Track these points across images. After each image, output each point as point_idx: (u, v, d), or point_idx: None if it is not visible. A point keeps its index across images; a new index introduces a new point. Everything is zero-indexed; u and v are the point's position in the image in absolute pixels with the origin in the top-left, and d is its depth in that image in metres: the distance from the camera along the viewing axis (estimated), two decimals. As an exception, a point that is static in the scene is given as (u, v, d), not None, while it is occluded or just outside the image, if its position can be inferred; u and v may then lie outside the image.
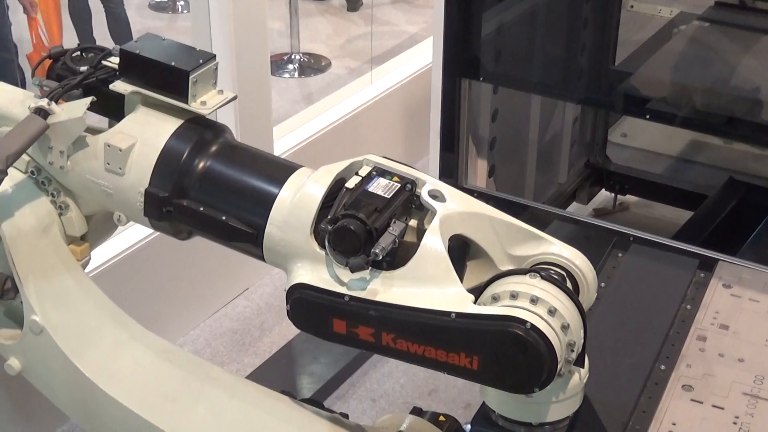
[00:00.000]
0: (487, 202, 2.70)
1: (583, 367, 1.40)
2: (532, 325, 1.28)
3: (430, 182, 1.45)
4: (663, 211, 3.30)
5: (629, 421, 1.55)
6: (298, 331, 2.62)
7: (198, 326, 2.91)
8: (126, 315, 1.66)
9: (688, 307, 1.83)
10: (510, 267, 1.43)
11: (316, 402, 1.80)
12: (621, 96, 2.82)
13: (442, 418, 1.73)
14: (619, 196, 3.34)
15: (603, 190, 3.35)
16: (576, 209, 3.31)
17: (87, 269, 1.71)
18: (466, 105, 2.60)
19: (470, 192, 2.68)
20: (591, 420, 1.47)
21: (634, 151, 3.37)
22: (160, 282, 2.76)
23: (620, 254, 1.97)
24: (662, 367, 1.69)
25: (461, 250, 1.46)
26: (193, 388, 1.60)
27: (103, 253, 2.57)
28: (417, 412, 1.76)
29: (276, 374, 2.71)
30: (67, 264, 1.63)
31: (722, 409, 1.59)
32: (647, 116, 2.70)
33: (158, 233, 2.68)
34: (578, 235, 3.03)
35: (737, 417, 1.58)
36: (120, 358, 1.61)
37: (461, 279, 1.43)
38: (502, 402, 1.44)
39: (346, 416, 1.81)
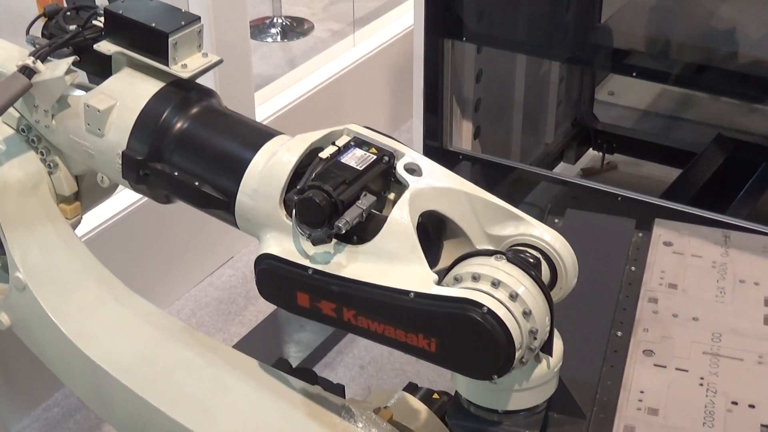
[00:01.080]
0: (473, 165, 2.76)
1: (551, 354, 1.34)
2: (489, 309, 1.23)
3: (409, 155, 1.40)
4: (652, 169, 3.27)
5: (596, 394, 1.51)
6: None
7: (183, 296, 2.88)
8: (112, 275, 1.63)
9: (633, 269, 1.79)
10: (489, 247, 1.38)
11: (309, 372, 1.77)
12: (607, 54, 2.79)
13: (436, 395, 1.68)
14: (606, 155, 3.31)
15: (591, 149, 3.31)
16: (563, 169, 3.28)
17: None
18: (450, 66, 2.56)
19: (455, 154, 2.70)
20: (565, 402, 1.44)
21: (621, 110, 3.33)
22: (143, 252, 2.73)
23: (556, 220, 1.93)
24: (619, 333, 1.65)
25: (438, 228, 1.41)
26: (172, 353, 1.55)
27: (83, 224, 2.53)
28: (411, 388, 1.72)
29: (263, 343, 2.68)
30: (54, 222, 1.62)
31: (686, 371, 1.57)
32: (634, 74, 2.66)
33: (140, 203, 2.69)
34: (566, 196, 3.01)
35: (702, 378, 1.55)
36: (100, 318, 1.58)
37: (437, 258, 1.39)
38: (470, 388, 1.40)
39: (342, 388, 1.78)
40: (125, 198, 2.65)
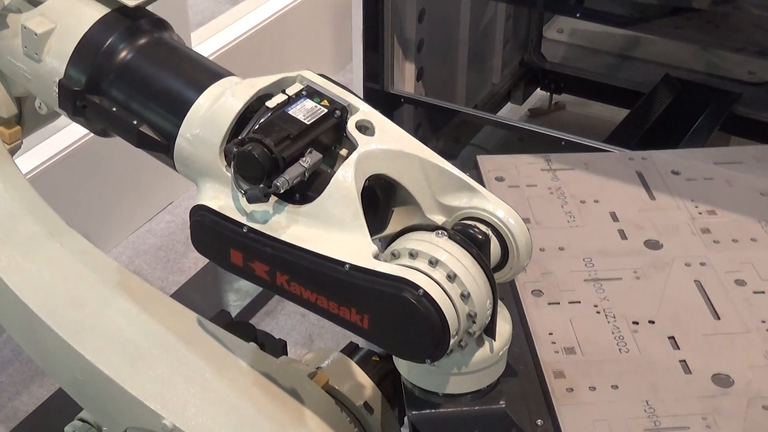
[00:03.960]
0: (416, 108, 2.69)
1: (494, 338, 1.27)
2: (424, 292, 1.15)
3: (363, 111, 1.30)
4: (599, 109, 3.23)
5: (511, 346, 1.48)
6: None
7: (120, 243, 2.81)
8: (50, 209, 1.53)
9: None
10: (439, 216, 1.31)
11: (248, 326, 1.72)
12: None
13: (376, 358, 1.64)
14: (554, 95, 3.26)
15: (538, 89, 3.26)
16: (510, 110, 3.23)
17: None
18: (390, 5, 2.47)
19: (397, 97, 2.63)
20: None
21: (569, 48, 3.27)
22: (77, 198, 2.65)
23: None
24: None
25: (387, 193, 1.33)
26: (103, 297, 1.46)
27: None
28: (350, 349, 1.67)
29: (202, 291, 2.64)
30: None
31: (579, 302, 1.59)
32: (578, 15, 2.60)
33: (72, 147, 2.59)
34: (512, 137, 2.97)
35: (596, 306, 1.58)
36: (33, 255, 1.48)
37: (385, 225, 1.32)
38: (411, 369, 1.33)
39: (284, 344, 1.73)
40: (55, 142, 2.56)
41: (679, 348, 1.52)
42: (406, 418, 1.64)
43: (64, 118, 1.49)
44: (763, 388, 1.46)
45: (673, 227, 1.79)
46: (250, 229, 1.25)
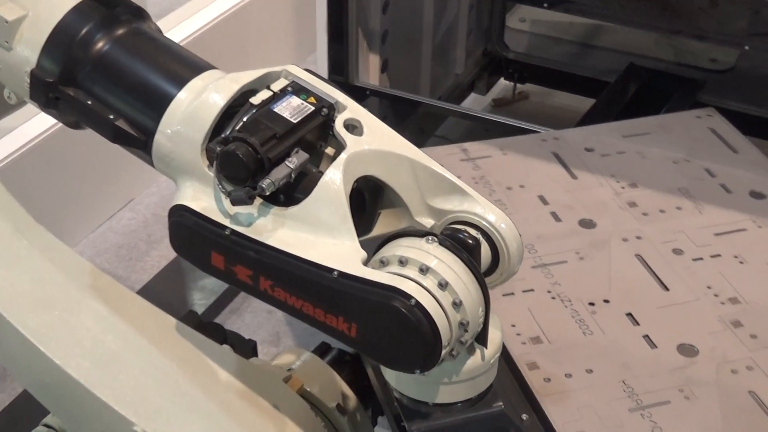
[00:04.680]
0: (381, 100, 2.65)
1: (486, 346, 1.23)
2: (416, 301, 1.11)
3: (351, 109, 1.25)
4: (564, 99, 3.22)
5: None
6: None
7: (80, 242, 2.75)
8: (17, 203, 1.47)
9: None
10: (428, 219, 1.27)
11: (217, 327, 1.68)
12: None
13: (348, 358, 1.61)
14: (518, 84, 3.24)
15: (502, 79, 3.24)
16: (474, 100, 3.21)
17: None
18: (354, -4, 2.44)
19: (362, 90, 2.59)
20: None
21: (533, 37, 3.26)
22: (34, 196, 2.58)
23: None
24: None
25: (375, 194, 1.29)
26: (73, 297, 1.40)
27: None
28: (322, 349, 1.64)
29: (165, 290, 2.59)
30: None
31: (533, 290, 1.63)
32: (545, 5, 2.58)
33: (31, 143, 2.53)
34: (477, 128, 2.95)
35: (549, 291, 1.62)
36: None
37: (371, 227, 1.27)
38: (400, 378, 1.30)
39: (254, 345, 1.69)
40: (11, 139, 2.50)
41: (638, 324, 1.57)
42: (379, 419, 1.63)
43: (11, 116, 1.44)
44: (727, 353, 1.52)
45: (602, 204, 1.84)
46: (233, 232, 1.20)
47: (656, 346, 1.53)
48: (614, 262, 1.70)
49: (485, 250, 1.25)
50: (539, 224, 1.77)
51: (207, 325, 1.67)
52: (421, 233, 1.19)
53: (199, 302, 2.51)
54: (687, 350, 1.52)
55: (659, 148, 2.01)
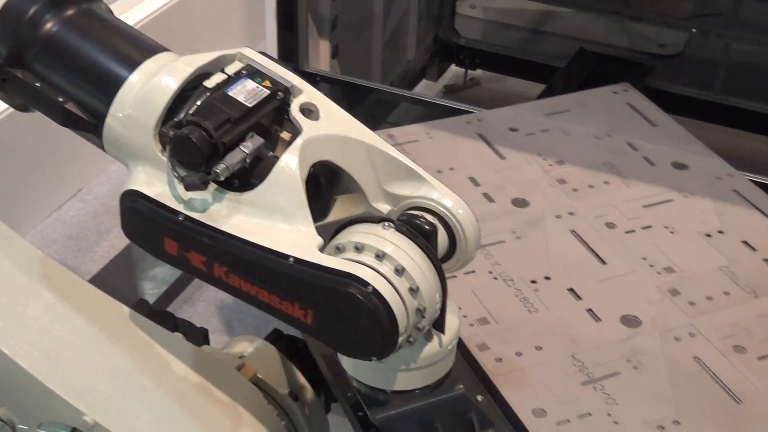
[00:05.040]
0: (331, 86, 2.64)
1: (443, 332, 1.23)
2: (373, 288, 1.10)
3: (307, 93, 1.23)
4: (515, 84, 3.23)
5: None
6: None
7: (27, 233, 2.70)
8: None
9: None
10: (385, 205, 1.26)
11: (168, 315, 1.66)
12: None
13: (300, 344, 1.60)
14: (469, 71, 3.24)
15: (453, 65, 3.24)
16: (425, 87, 3.21)
17: None
18: (303, -19, 2.43)
19: (312, 76, 2.58)
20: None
21: (483, 24, 3.26)
22: (-20, 188, 2.54)
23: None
24: None
25: (331, 180, 1.27)
26: (21, 285, 1.37)
27: None
28: (274, 336, 1.62)
29: (116, 280, 2.55)
30: None
31: (474, 272, 1.64)
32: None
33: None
34: (429, 114, 2.94)
35: (491, 272, 1.64)
36: None
37: (326, 213, 1.26)
38: (357, 366, 1.29)
39: (205, 333, 1.67)
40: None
41: (581, 299, 1.60)
42: (333, 405, 1.62)
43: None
44: (668, 321, 1.57)
45: (532, 183, 1.87)
46: (187, 218, 1.18)
47: (600, 320, 1.56)
48: (551, 239, 1.73)
49: (442, 235, 1.24)
50: (473, 206, 1.76)
51: (157, 314, 1.65)
52: (377, 219, 1.18)
53: (151, 292, 2.48)
54: (630, 321, 1.56)
55: (581, 124, 2.05)
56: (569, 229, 1.75)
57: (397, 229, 1.16)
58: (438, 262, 1.18)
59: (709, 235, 1.76)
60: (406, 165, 1.26)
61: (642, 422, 1.39)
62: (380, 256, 1.14)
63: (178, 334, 1.46)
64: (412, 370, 1.25)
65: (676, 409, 1.41)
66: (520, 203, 1.82)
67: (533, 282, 1.63)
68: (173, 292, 2.51)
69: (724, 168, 1.96)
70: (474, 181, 1.86)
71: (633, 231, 1.75)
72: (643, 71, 2.85)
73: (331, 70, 2.62)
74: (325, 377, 1.54)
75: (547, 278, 1.63)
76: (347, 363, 1.32)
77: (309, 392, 1.57)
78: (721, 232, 1.77)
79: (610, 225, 1.76)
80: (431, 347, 1.24)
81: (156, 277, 2.53)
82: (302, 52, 2.52)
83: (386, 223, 1.17)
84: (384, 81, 2.92)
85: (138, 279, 2.56)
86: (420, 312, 1.16)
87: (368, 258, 1.14)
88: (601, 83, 2.83)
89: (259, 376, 1.49)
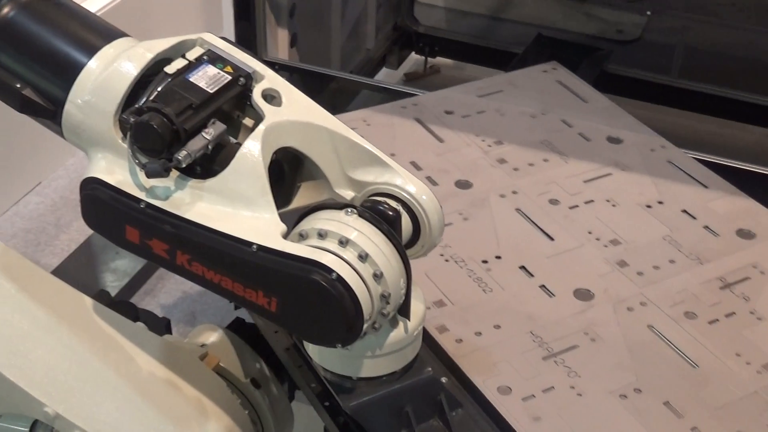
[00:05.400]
0: (291, 74, 2.63)
1: (408, 318, 1.23)
2: (338, 275, 1.10)
3: (269, 79, 1.23)
4: (474, 71, 3.23)
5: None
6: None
7: (-14, 228, 2.68)
8: None
9: None
10: (348, 192, 1.26)
11: (129, 305, 1.65)
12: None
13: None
14: (429, 58, 3.24)
15: (413, 53, 3.24)
16: (386, 75, 3.20)
17: None
18: (260, -31, 2.41)
19: (271, 64, 2.55)
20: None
21: (442, 11, 3.26)
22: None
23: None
24: None
25: (294, 166, 1.27)
26: None
27: None
28: (236, 325, 1.62)
29: (77, 273, 2.53)
30: None
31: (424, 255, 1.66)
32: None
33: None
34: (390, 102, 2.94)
35: (442, 254, 1.65)
36: None
37: (289, 200, 1.26)
38: (323, 354, 1.29)
39: (167, 323, 1.66)
40: None
41: (533, 275, 1.62)
42: (297, 393, 1.62)
43: None
44: (620, 292, 1.60)
45: (473, 164, 1.89)
46: (149, 205, 1.17)
47: (554, 295, 1.58)
48: (497, 219, 1.75)
49: (406, 221, 1.24)
50: None
51: (118, 304, 1.64)
52: (340, 205, 1.18)
53: (112, 284, 2.46)
54: (583, 294, 1.58)
55: (515, 104, 2.08)
56: (514, 208, 1.77)
57: (361, 215, 1.16)
58: (402, 248, 1.18)
59: (649, 206, 1.80)
60: (370, 151, 1.26)
61: (605, 392, 1.41)
62: (344, 242, 1.14)
63: (140, 324, 1.45)
64: (379, 357, 1.25)
65: (636, 377, 1.44)
66: (463, 185, 1.83)
67: (485, 262, 1.64)
68: (135, 284, 2.49)
69: (657, 140, 2.00)
70: (416, 166, 1.87)
71: (576, 206, 1.78)
72: (601, 56, 2.86)
73: (290, 58, 2.61)
74: (288, 369, 1.54)
75: (498, 257, 1.64)
76: (312, 350, 1.31)
77: (272, 380, 1.57)
78: (660, 202, 1.81)
79: (554, 201, 1.79)
80: (397, 333, 1.24)
81: (117, 270, 2.51)
82: (260, 41, 2.51)
83: (349, 210, 1.17)
84: (344, 70, 2.91)
85: (99, 272, 2.54)
86: (385, 298, 1.16)
87: (332, 244, 1.14)
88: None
89: (222, 365, 1.49)
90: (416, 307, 1.25)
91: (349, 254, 1.13)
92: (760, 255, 1.69)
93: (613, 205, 1.79)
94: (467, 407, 1.36)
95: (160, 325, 1.65)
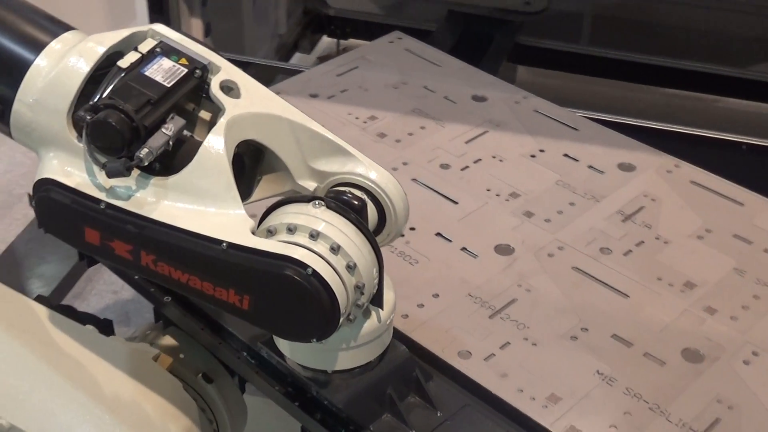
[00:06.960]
0: (207, 63, 2.59)
1: (381, 307, 1.22)
2: (313, 270, 1.08)
3: (225, 70, 1.20)
4: (387, 51, 3.23)
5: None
6: (20, 230, 2.39)
7: None
8: None
9: None
10: (311, 182, 1.24)
11: (69, 309, 1.61)
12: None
13: None
14: (341, 41, 3.24)
15: (325, 36, 3.23)
16: (300, 59, 3.19)
17: None
18: (172, -41, 2.38)
19: (187, 55, 2.53)
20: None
21: (351, -7, 3.26)
22: None
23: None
24: None
25: (255, 158, 1.24)
26: None
27: None
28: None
29: (1, 280, 2.45)
30: None
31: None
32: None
33: None
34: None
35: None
36: None
37: (250, 192, 1.24)
38: (295, 349, 1.28)
39: (109, 323, 1.63)
40: None
41: (451, 240, 1.65)
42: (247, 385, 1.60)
43: None
44: (536, 241, 1.65)
45: (355, 142, 1.89)
46: (109, 206, 1.14)
47: (477, 255, 1.62)
48: None
49: (371, 210, 1.24)
50: None
51: (59, 308, 1.60)
52: (307, 198, 1.16)
53: (39, 290, 2.39)
54: (504, 249, 1.63)
55: (374, 78, 2.11)
56: (410, 178, 1.79)
57: (328, 207, 1.15)
58: (372, 237, 1.17)
59: (533, 156, 1.86)
60: (332, 140, 1.24)
61: (556, 337, 1.46)
62: (314, 235, 1.12)
63: (90, 327, 1.43)
64: (352, 349, 1.25)
65: (579, 318, 1.49)
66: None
67: (401, 236, 1.65)
68: (63, 288, 2.43)
69: (518, 92, 2.06)
70: None
71: (467, 167, 1.83)
72: (513, 29, 2.90)
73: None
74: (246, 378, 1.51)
75: (413, 229, 1.66)
76: (283, 346, 1.30)
77: (222, 373, 1.55)
78: (542, 150, 1.87)
79: (445, 166, 1.83)
80: (371, 323, 1.24)
81: (44, 275, 2.45)
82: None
83: (316, 202, 1.15)
84: (257, 56, 2.88)
85: (25, 278, 2.48)
86: (359, 289, 1.15)
87: (302, 238, 1.12)
88: (473, 44, 2.89)
89: (175, 365, 1.47)
90: (387, 296, 1.25)
91: (321, 247, 1.12)
92: (646, 184, 1.78)
93: (500, 161, 1.84)
94: (437, 378, 1.37)
95: (105, 327, 1.62)
